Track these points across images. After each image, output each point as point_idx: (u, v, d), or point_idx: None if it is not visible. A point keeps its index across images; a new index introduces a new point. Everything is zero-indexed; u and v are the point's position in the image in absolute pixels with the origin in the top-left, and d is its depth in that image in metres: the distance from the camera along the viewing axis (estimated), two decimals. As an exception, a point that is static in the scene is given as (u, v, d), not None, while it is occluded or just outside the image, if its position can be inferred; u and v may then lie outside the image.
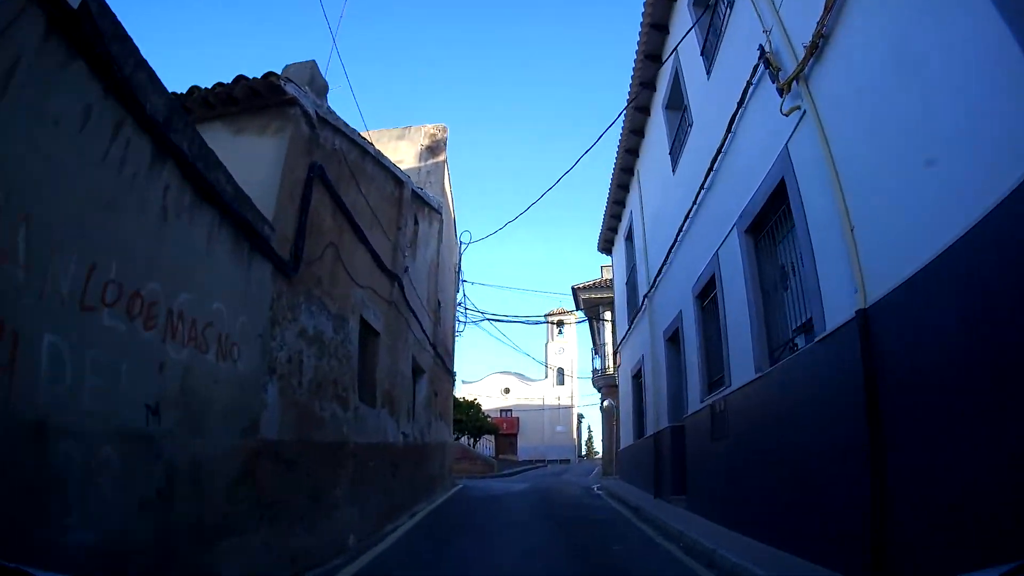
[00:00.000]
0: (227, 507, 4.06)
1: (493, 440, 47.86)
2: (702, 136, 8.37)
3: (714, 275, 7.63)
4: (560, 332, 51.86)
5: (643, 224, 12.57)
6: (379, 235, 8.49)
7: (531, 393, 49.95)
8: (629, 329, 14.26)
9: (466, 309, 18.62)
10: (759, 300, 6.32)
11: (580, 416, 53.88)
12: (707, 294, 8.16)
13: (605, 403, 20.08)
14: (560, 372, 50.55)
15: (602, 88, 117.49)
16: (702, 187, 8.00)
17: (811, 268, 4.99)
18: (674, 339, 10.01)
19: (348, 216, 7.09)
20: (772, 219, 6.09)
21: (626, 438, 15.18)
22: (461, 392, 46.58)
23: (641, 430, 12.92)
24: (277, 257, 5.08)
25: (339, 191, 6.83)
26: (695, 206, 8.42)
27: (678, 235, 9.36)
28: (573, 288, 21.26)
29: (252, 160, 5.48)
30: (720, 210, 7.41)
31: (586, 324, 39.51)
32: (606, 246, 17.65)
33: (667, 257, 10.15)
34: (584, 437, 60.51)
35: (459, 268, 18.37)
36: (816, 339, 4.77)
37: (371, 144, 8.37)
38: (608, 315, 21.69)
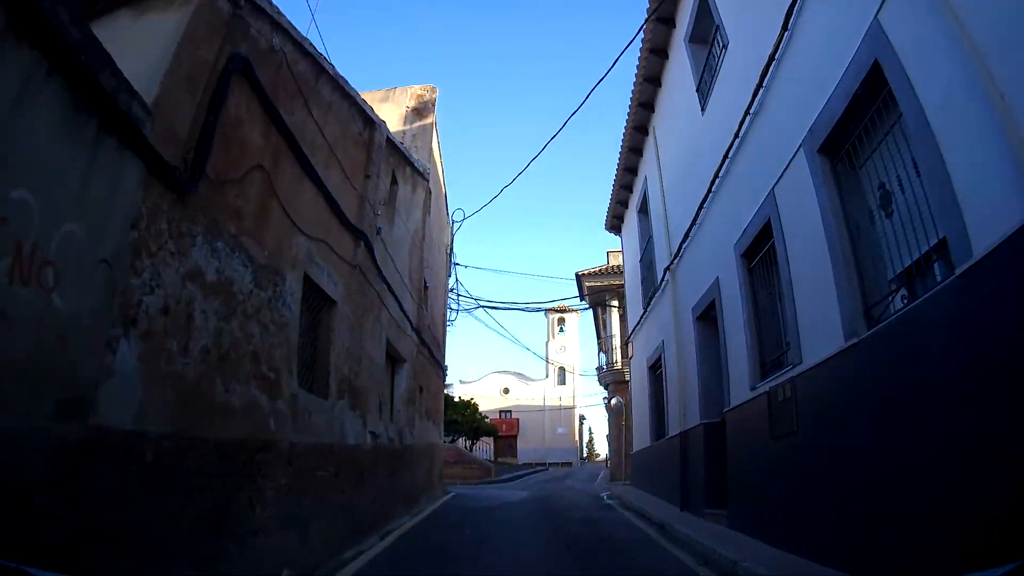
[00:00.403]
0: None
1: (492, 442, 46.08)
2: (741, 55, 6.67)
3: (768, 221, 5.85)
4: (561, 330, 50.07)
5: (661, 188, 10.79)
6: (339, 179, 6.71)
7: (531, 393, 48.13)
8: (644, 314, 12.48)
9: (459, 295, 16.84)
10: (844, 240, 4.56)
11: (582, 417, 52.10)
12: (757, 249, 6.38)
13: (612, 401, 18.28)
14: (561, 371, 48.71)
15: (609, 40, 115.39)
16: (747, 113, 6.24)
17: (936, 170, 3.25)
18: (707, 316, 8.22)
19: (290, 139, 5.32)
20: (857, 127, 4.35)
21: (640, 440, 13.39)
22: (457, 392, 44.80)
23: (661, 430, 11.12)
24: (155, 157, 3.33)
25: (276, 103, 5.06)
26: (736, 141, 6.65)
27: (712, 185, 7.59)
28: (577, 275, 19.49)
29: (148, 43, 3.78)
30: (775, 135, 5.68)
31: (590, 318, 37.74)
32: (614, 223, 15.87)
33: (696, 217, 8.37)
34: (585, 439, 58.75)
35: (451, 250, 16.60)
36: (960, 270, 3.02)
37: (331, 64, 6.59)
38: (615, 304, 19.93)
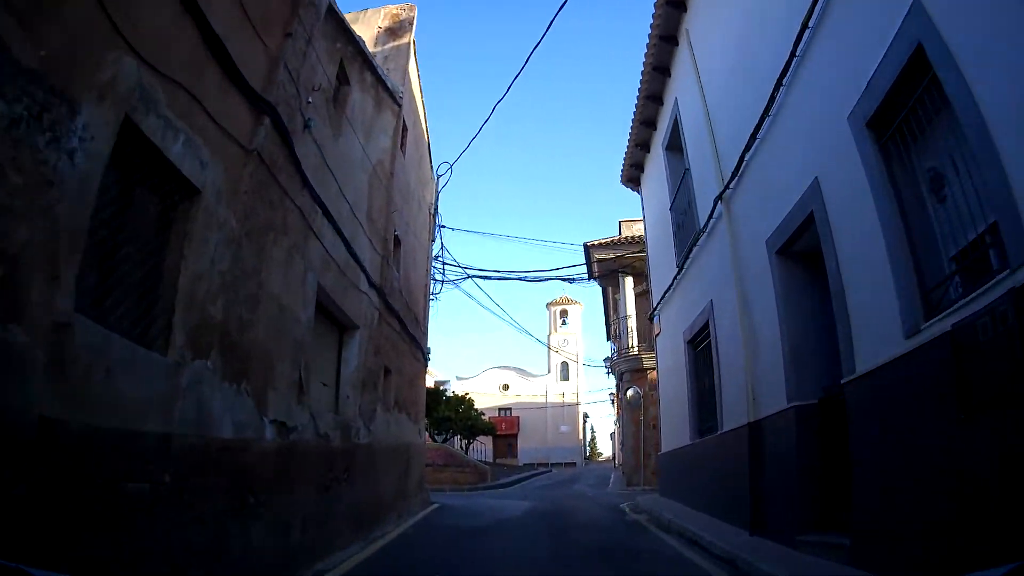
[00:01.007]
0: None
1: (490, 442, 43.39)
2: None
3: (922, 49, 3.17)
4: (564, 322, 47.43)
5: (703, 103, 8.11)
6: (232, 12, 4.04)
7: (532, 389, 45.46)
8: (678, 275, 9.79)
9: (444, 264, 14.18)
10: None
11: (585, 415, 49.42)
12: (893, 111, 3.71)
13: (629, 392, 15.60)
14: (564, 366, 46.05)
15: None
16: None
17: None
18: (796, 245, 5.54)
19: None
20: None
21: (672, 437, 10.70)
22: (454, 389, 42.08)
23: (707, 423, 8.45)
24: None
25: None
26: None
27: (793, 53, 4.94)
28: (586, 246, 16.80)
29: None
30: None
31: (594, 310, 34.95)
32: (632, 174, 13.19)
33: (767, 110, 5.70)
34: (587, 438, 56.08)
35: (435, 210, 13.91)
36: None
37: None
38: (629, 282, 17.25)
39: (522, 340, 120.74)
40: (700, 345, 8.81)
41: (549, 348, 41.18)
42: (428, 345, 12.50)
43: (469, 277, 14.52)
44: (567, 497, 13.21)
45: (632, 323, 16.54)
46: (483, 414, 28.02)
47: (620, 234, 17.38)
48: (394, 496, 8.93)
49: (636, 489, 14.63)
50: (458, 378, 45.94)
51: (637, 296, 17.28)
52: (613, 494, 13.93)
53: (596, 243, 16.72)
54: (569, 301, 47.52)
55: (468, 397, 26.03)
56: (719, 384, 7.63)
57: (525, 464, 41.85)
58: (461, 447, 31.01)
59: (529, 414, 44.15)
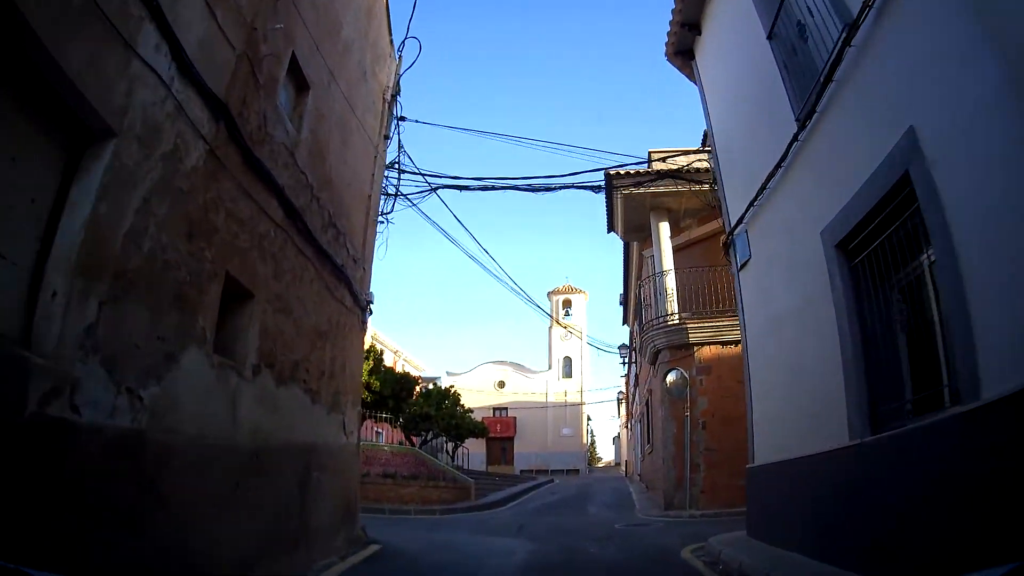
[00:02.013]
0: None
1: (483, 446, 38.88)
2: None
3: None
4: (567, 313, 42.94)
5: None
6: None
7: (531, 387, 40.97)
8: (803, 133, 5.27)
9: (400, 173, 9.73)
10: None
11: (587, 417, 44.90)
12: None
13: (669, 377, 11.14)
14: (567, 362, 41.58)
15: None
16: None
17: None
18: None
19: None
20: None
21: (781, 437, 6.14)
22: (442, 382, 37.55)
23: (895, 399, 3.94)
24: None
25: None
26: None
27: None
28: (607, 175, 12.30)
29: None
30: None
31: (600, 301, 29.52)
32: (683, 41, 8.73)
33: None
34: (587, 442, 51.58)
35: (394, 99, 9.48)
36: None
37: None
38: (664, 230, 12.78)
39: (521, 335, 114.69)
40: (875, 241, 4.31)
41: (551, 316, 36.44)
42: (371, 291, 8.03)
43: (435, 190, 9.97)
44: (584, 531, 8.72)
45: (671, 282, 12.06)
46: (471, 411, 23.59)
47: (649, 164, 12.89)
48: (266, 540, 4.48)
49: (682, 515, 10.14)
50: (448, 374, 41.45)
51: (677, 251, 12.81)
52: (652, 525, 9.43)
53: (621, 172, 12.24)
54: (573, 290, 43.14)
55: (454, 391, 21.55)
56: (969, 304, 3.13)
57: (523, 471, 37.34)
58: (447, 452, 26.52)
59: (527, 415, 39.66)
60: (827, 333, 4.96)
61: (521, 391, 40.62)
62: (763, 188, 6.34)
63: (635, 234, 14.48)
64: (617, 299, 22.91)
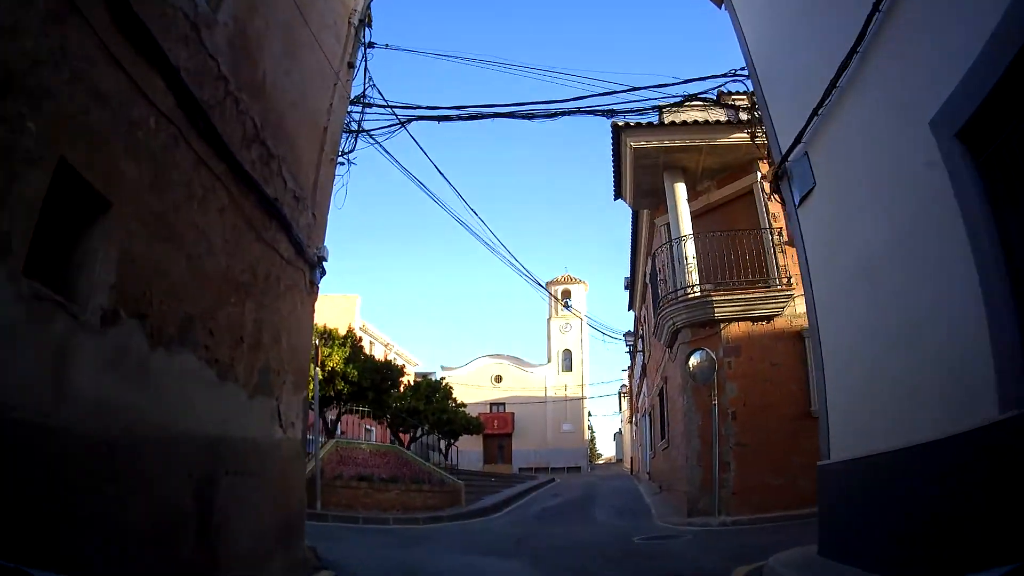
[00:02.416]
0: None
1: (480, 443, 37.30)
2: None
3: None
4: (566, 305, 41.23)
5: None
6: None
7: (530, 382, 39.33)
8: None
9: (365, 107, 8.03)
10: None
11: (588, 412, 43.29)
12: None
13: (693, 359, 9.53)
14: (567, 355, 39.95)
15: None
16: None
17: None
18: None
19: None
20: None
21: (872, 423, 4.48)
22: (437, 377, 35.84)
23: None
24: None
25: None
26: None
27: None
28: (615, 127, 10.62)
29: None
30: None
31: (601, 291, 27.97)
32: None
33: None
34: (589, 438, 50.01)
35: (361, 25, 7.77)
36: None
37: None
38: (681, 192, 11.10)
39: (519, 329, 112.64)
40: (1013, 121, 2.65)
41: (549, 292, 34.68)
42: (326, 247, 6.34)
43: (404, 125, 8.18)
44: (598, 547, 7.05)
45: (690, 249, 10.39)
46: (464, 406, 21.93)
47: (660, 119, 11.19)
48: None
49: (711, 523, 8.50)
50: (443, 367, 39.86)
51: (695, 217, 11.14)
52: (680, 537, 7.76)
53: (631, 123, 10.55)
54: (572, 280, 41.50)
55: (445, 383, 19.83)
56: None
57: (521, 470, 35.76)
58: (439, 450, 24.86)
59: (526, 410, 38.02)
60: (952, 268, 3.31)
61: (519, 386, 38.98)
62: (831, 88, 4.66)
63: (646, 200, 12.78)
64: (622, 285, 21.22)
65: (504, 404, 38.89)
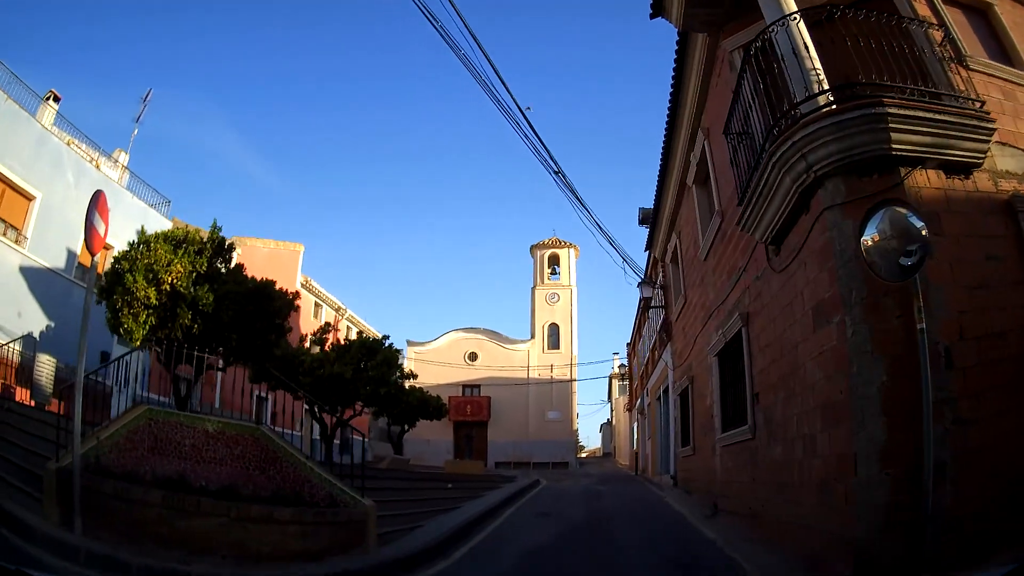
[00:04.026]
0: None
1: (451, 432, 32.09)
2: None
3: None
4: (554, 272, 36.05)
5: None
6: None
7: (510, 360, 34.06)
8: None
9: None
10: None
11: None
12: None
13: (873, 232, 4.32)
14: (554, 330, 34.75)
15: None
16: None
17: None
18: None
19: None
20: None
21: None
22: (406, 358, 30.43)
23: None
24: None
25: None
26: None
27: None
28: None
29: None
30: None
31: (595, 252, 23.10)
32: None
33: None
34: (577, 428, 44.97)
35: None
36: None
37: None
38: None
39: (501, 304, 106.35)
40: None
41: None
42: None
43: None
44: None
45: (806, 38, 5.10)
46: (413, 376, 16.61)
47: None
48: None
49: None
50: (410, 343, 34.43)
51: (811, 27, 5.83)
52: None
53: None
54: (561, 244, 36.21)
55: (390, 346, 14.50)
56: None
57: (498, 464, 30.62)
58: (390, 437, 19.48)
59: (504, 394, 32.82)
60: None
61: (497, 365, 33.68)
62: None
63: (705, 9, 7.49)
64: (616, 259, 15.89)
65: (479, 386, 33.63)
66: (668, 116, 9.87)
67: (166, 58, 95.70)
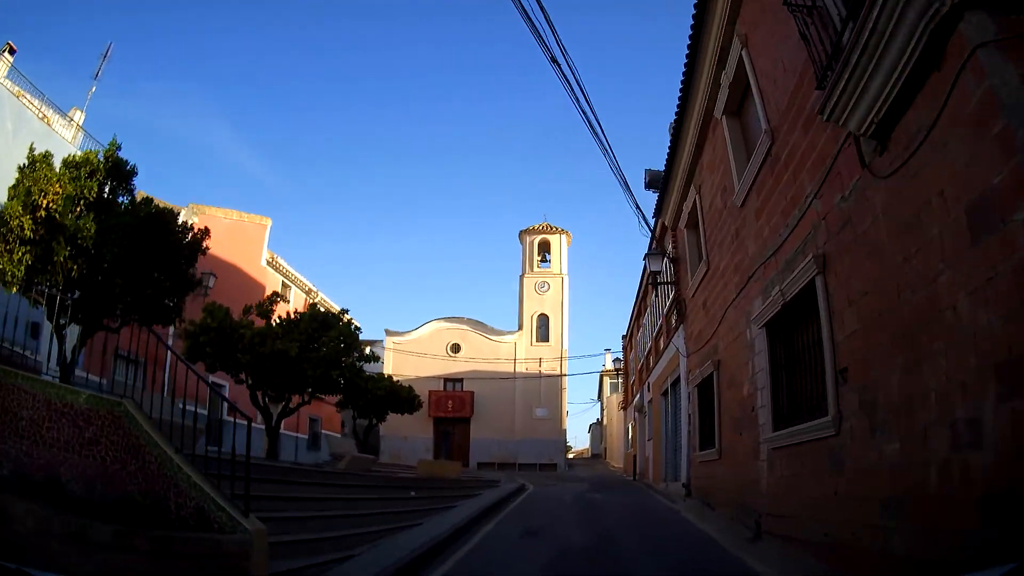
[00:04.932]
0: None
1: (431, 429, 30.08)
2: None
3: None
4: (544, 259, 34.08)
5: None
6: None
7: (495, 353, 32.04)
8: None
9: None
10: None
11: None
12: None
13: None
14: (543, 320, 32.80)
15: None
16: None
17: None
18: None
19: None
20: None
21: None
22: (384, 348, 28.28)
23: None
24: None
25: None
26: None
27: None
28: None
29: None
30: None
31: (585, 242, 21.00)
32: None
33: None
34: (566, 427, 43.01)
35: None
36: None
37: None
38: None
39: (490, 293, 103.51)
40: None
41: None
42: None
43: None
44: None
45: None
46: (375, 359, 14.59)
47: None
48: None
49: None
50: (388, 332, 32.34)
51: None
52: None
53: None
54: (552, 230, 34.25)
55: (347, 320, 12.43)
56: None
57: (481, 465, 28.64)
58: (355, 431, 17.41)
59: (489, 389, 30.83)
60: None
61: (481, 357, 31.65)
62: None
63: None
64: (613, 241, 13.93)
65: (462, 380, 31.58)
66: (693, 26, 7.88)
67: (163, 53, 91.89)
